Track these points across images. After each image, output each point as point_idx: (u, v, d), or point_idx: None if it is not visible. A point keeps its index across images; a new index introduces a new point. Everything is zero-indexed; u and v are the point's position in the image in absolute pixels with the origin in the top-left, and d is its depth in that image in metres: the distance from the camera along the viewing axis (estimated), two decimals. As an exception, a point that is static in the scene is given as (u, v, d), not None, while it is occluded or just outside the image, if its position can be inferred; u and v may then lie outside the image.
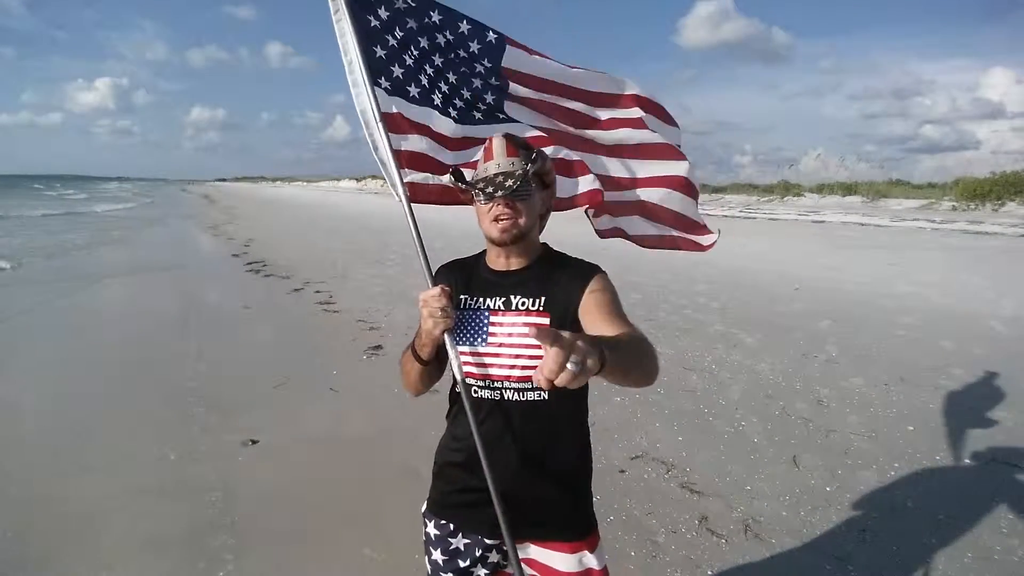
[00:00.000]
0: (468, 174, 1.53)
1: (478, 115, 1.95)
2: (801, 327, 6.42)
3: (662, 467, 3.43)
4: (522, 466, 1.41)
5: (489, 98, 1.94)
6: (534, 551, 1.45)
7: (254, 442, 3.71)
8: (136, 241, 15.28)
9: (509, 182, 1.36)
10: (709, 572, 2.56)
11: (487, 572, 1.49)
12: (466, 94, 1.93)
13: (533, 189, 1.42)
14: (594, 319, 1.36)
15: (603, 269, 1.45)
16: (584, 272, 1.43)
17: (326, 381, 4.72)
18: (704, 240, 2.13)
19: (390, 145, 1.69)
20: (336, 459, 3.50)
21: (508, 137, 1.45)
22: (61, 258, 11.68)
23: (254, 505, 3.04)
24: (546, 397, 1.39)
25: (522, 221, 1.39)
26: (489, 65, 1.92)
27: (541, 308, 1.40)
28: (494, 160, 1.41)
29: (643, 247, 2.18)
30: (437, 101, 1.90)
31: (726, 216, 23.63)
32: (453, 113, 1.92)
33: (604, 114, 2.04)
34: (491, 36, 1.91)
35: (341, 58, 1.75)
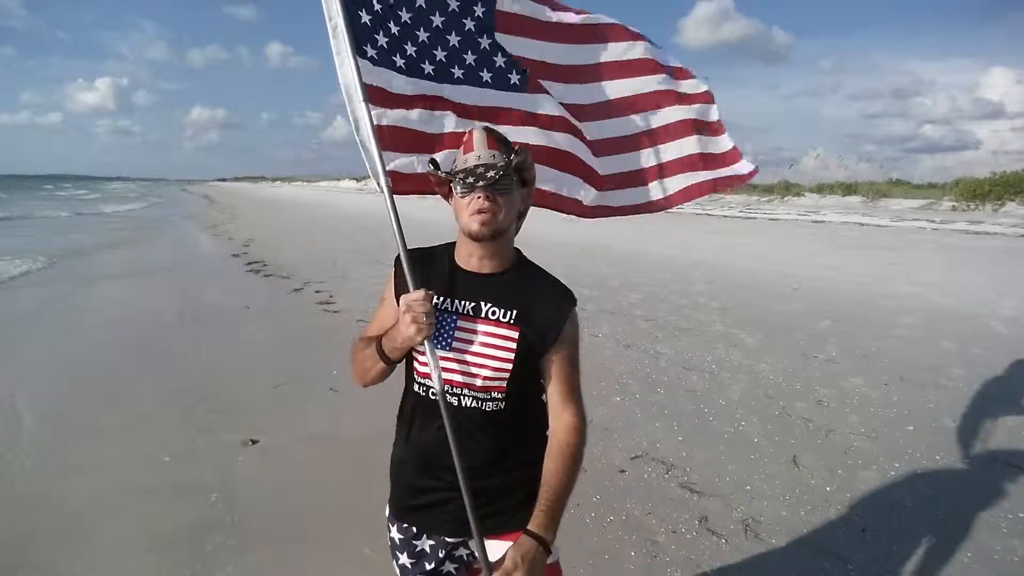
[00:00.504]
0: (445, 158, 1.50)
1: (485, 77, 1.85)
2: (801, 327, 6.42)
3: (662, 467, 3.43)
4: (481, 465, 1.41)
5: (499, 61, 1.85)
6: (492, 545, 1.43)
7: (254, 442, 3.71)
8: (148, 241, 15.26)
9: (491, 173, 1.31)
10: (709, 572, 2.56)
11: (455, 567, 1.52)
12: (469, 58, 1.83)
13: (514, 184, 1.38)
14: (552, 383, 1.41)
15: (575, 297, 1.44)
16: (561, 303, 1.41)
17: (326, 381, 4.72)
18: (742, 168, 2.05)
19: (372, 124, 1.56)
20: (336, 459, 3.50)
21: (488, 131, 1.40)
22: (87, 257, 11.70)
23: (254, 505, 3.04)
24: (503, 407, 1.40)
25: (502, 215, 1.34)
26: (484, 20, 1.83)
27: (512, 321, 1.37)
28: (474, 152, 1.36)
29: (667, 208, 2.10)
30: (428, 70, 1.79)
31: (726, 216, 23.65)
32: (455, 75, 1.82)
33: (604, 56, 2.00)
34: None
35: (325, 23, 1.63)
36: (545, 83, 1.93)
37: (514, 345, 1.37)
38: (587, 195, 2.00)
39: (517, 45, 1.90)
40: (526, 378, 1.41)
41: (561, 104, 1.94)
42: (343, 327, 6.31)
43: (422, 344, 1.36)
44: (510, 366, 1.37)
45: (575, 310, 1.43)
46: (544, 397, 1.46)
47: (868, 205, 28.00)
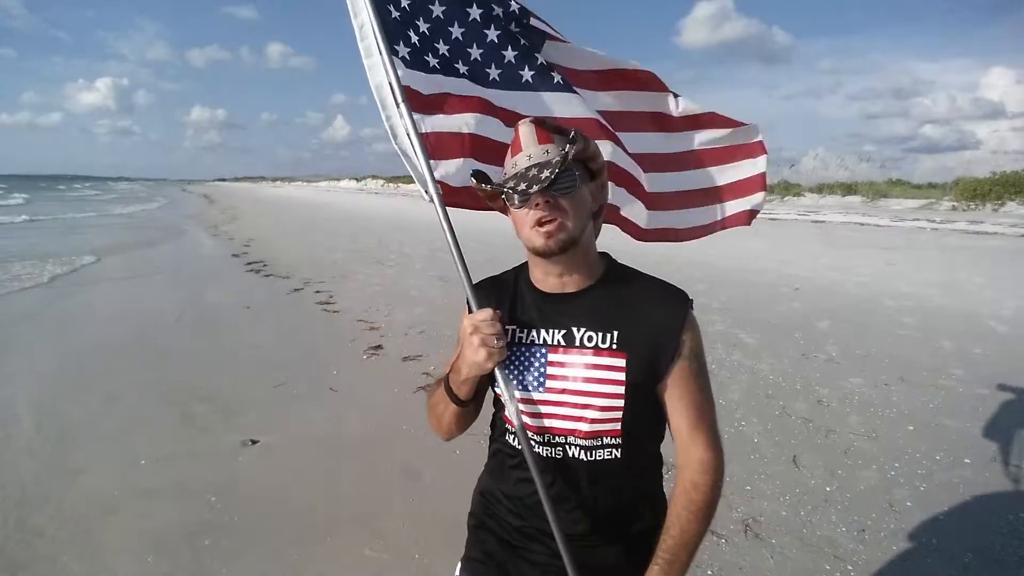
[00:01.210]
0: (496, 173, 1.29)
1: (526, 76, 1.66)
2: (801, 327, 6.42)
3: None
4: (591, 532, 1.19)
5: (541, 59, 1.67)
6: None
7: (254, 442, 3.71)
8: (175, 240, 15.27)
9: (545, 173, 1.08)
10: (709, 572, 2.56)
11: None
12: (509, 55, 1.64)
13: (577, 179, 1.14)
14: (675, 411, 1.15)
15: (688, 296, 1.20)
16: (673, 308, 1.16)
17: (326, 381, 4.72)
18: (752, 201, 1.91)
19: (416, 130, 1.40)
20: (336, 459, 3.50)
21: (538, 122, 1.17)
22: (140, 251, 11.70)
23: (254, 505, 3.04)
24: (619, 456, 1.16)
25: (570, 222, 1.11)
26: (524, 22, 1.66)
27: (614, 345, 1.14)
28: (523, 152, 1.14)
29: (689, 239, 1.97)
30: (463, 70, 1.61)
31: (726, 216, 23.60)
32: (491, 77, 1.64)
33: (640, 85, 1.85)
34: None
35: (351, 21, 1.49)
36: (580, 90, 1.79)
37: (622, 376, 1.12)
38: (634, 211, 1.85)
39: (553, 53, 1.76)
40: (645, 413, 1.17)
41: (599, 112, 1.79)
42: (343, 327, 6.31)
43: (492, 371, 1.16)
44: (621, 402, 1.13)
45: (692, 313, 1.18)
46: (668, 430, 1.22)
47: (868, 205, 27.98)
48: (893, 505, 3.07)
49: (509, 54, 1.65)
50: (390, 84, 1.44)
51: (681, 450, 1.16)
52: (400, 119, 1.42)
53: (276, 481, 3.29)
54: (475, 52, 1.63)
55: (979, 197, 24.51)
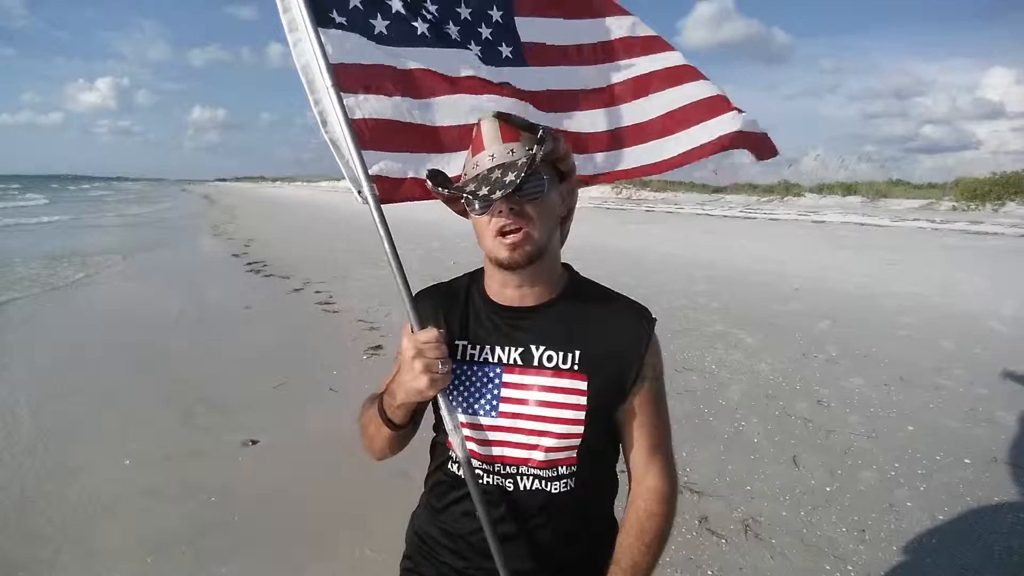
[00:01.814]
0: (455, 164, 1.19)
1: (477, 49, 1.46)
2: (801, 327, 6.42)
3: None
4: (540, 570, 1.09)
5: (495, 15, 1.48)
6: None
7: (254, 442, 3.71)
8: (178, 241, 15.28)
9: (510, 177, 0.97)
10: (709, 572, 2.56)
11: None
12: (464, 11, 1.45)
13: (545, 183, 1.02)
14: (632, 436, 1.07)
15: (652, 314, 1.12)
16: (636, 328, 1.08)
17: (326, 381, 4.72)
18: (724, 122, 1.63)
19: (345, 116, 1.20)
20: (336, 459, 3.50)
21: (502, 118, 1.04)
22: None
23: (254, 505, 3.04)
24: (574, 485, 1.07)
25: (537, 232, 1.01)
26: None
27: (575, 367, 1.05)
28: (485, 151, 1.03)
29: (671, 168, 1.71)
30: (422, 30, 1.39)
31: (726, 216, 23.63)
32: (452, 37, 1.43)
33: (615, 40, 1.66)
34: None
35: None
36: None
37: (583, 400, 1.04)
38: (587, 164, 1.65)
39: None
40: (604, 440, 1.10)
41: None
42: (343, 327, 6.31)
43: (435, 403, 1.06)
44: (580, 428, 1.04)
45: (655, 334, 1.10)
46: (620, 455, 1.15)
47: (868, 205, 27.98)
48: (893, 505, 3.07)
49: (464, 11, 1.45)
50: (316, 60, 1.23)
51: (635, 477, 1.10)
52: (332, 105, 1.22)
53: (276, 481, 3.29)
54: (432, 7, 1.41)
55: (979, 197, 24.52)
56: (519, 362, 1.06)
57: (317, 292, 8.05)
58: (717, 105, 1.67)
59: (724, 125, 1.64)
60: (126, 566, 2.60)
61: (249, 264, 10.59)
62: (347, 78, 1.28)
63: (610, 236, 12.87)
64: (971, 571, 2.57)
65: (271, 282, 8.95)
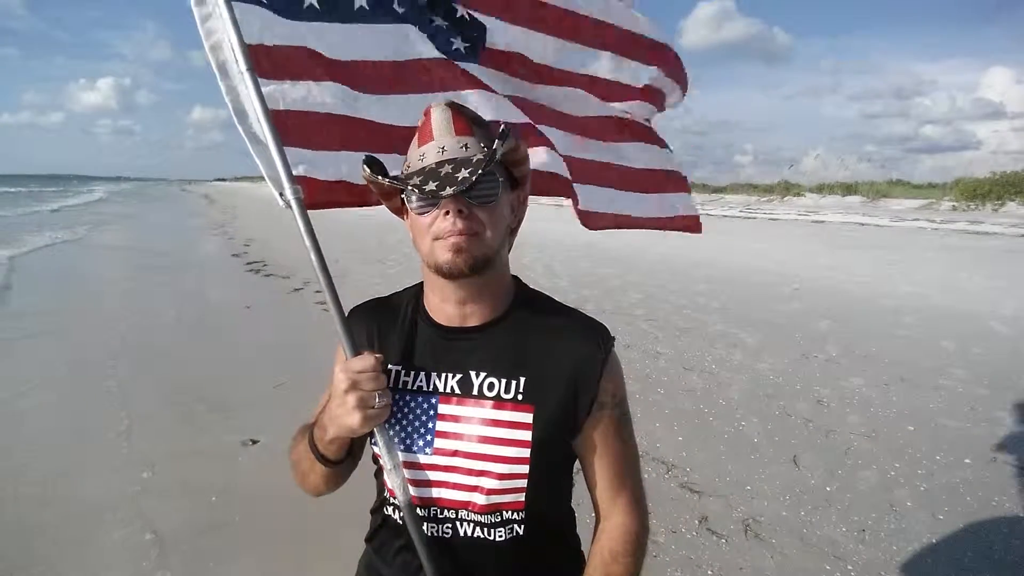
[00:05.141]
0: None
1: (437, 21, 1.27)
2: (801, 327, 6.42)
3: (662, 467, 3.43)
4: None
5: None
6: None
7: (254, 442, 3.71)
8: (176, 241, 15.29)
9: (463, 174, 0.84)
10: (709, 572, 2.56)
11: None
12: None
13: (500, 187, 0.91)
14: (594, 470, 0.96)
15: (608, 331, 1.00)
16: (590, 348, 0.95)
17: (326, 381, 4.70)
18: (682, 200, 1.69)
19: (263, 106, 1.02)
20: (336, 459, 3.50)
21: (455, 108, 0.92)
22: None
23: (254, 505, 3.04)
24: (522, 532, 0.94)
25: (487, 236, 0.89)
26: None
27: (519, 397, 0.92)
28: (434, 142, 0.89)
29: (629, 227, 1.67)
30: (360, 2, 1.20)
31: (726, 216, 23.64)
32: (398, 12, 1.22)
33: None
34: None
35: None
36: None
37: (527, 435, 0.92)
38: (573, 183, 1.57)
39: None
40: (554, 476, 0.98)
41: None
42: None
43: (371, 436, 0.93)
44: (525, 468, 0.92)
45: (614, 353, 0.98)
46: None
47: (868, 205, 27.99)
48: (893, 505, 3.07)
49: None
50: (229, 39, 1.03)
51: (601, 513, 1.00)
52: (250, 96, 1.03)
53: (276, 481, 3.28)
54: None
55: (979, 197, 24.56)
56: (456, 390, 0.94)
57: (317, 292, 8.04)
58: (679, 183, 1.75)
59: (683, 205, 1.74)
60: (126, 565, 2.59)
61: (249, 264, 10.59)
62: (267, 61, 1.12)
63: (610, 236, 12.83)
64: (971, 571, 2.57)
65: (271, 282, 8.94)
